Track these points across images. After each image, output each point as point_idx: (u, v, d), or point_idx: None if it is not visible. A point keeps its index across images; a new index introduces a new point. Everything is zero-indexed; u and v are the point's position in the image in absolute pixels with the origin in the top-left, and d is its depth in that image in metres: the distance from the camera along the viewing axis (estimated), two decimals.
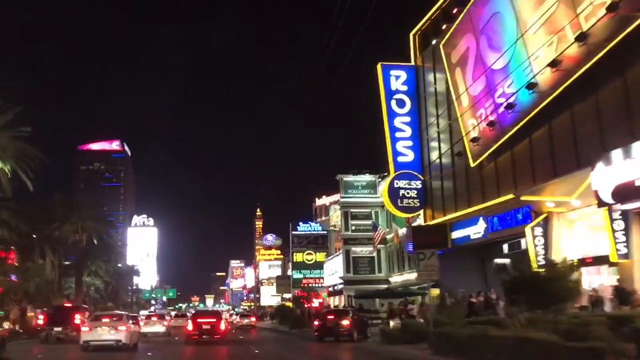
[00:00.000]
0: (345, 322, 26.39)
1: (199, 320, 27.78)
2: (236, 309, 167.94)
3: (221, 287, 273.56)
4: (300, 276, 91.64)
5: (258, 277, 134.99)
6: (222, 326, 27.79)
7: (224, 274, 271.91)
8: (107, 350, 22.23)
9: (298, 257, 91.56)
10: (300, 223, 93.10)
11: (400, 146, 40.48)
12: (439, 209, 38.46)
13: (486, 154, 32.12)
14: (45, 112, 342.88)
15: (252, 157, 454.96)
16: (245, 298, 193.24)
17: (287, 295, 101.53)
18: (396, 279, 54.24)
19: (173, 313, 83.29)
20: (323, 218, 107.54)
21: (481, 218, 33.36)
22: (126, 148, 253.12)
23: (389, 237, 55.36)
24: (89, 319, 26.79)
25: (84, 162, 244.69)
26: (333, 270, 75.33)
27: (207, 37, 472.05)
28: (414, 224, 42.41)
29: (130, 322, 25.42)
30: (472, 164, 33.65)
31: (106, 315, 26.56)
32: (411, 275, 49.94)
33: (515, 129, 29.22)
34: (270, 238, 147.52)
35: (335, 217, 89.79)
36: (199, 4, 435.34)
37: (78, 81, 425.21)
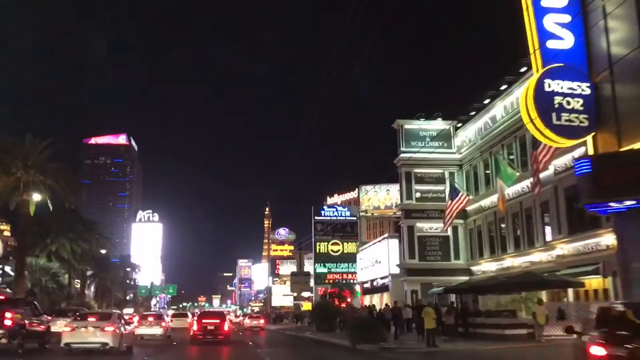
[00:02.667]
0: None
1: (203, 321, 26.41)
2: (244, 309, 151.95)
3: (229, 287, 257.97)
4: (325, 270, 72.85)
5: (270, 274, 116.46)
6: (226, 327, 26.39)
7: (231, 274, 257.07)
8: (95, 355, 18.34)
9: (321, 247, 72.81)
10: (325, 207, 74.36)
11: (549, 22, 21.91)
12: (634, 129, 19.79)
13: None
14: (51, 104, 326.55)
15: (262, 155, 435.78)
16: (253, 298, 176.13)
17: (306, 294, 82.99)
18: (485, 267, 35.41)
19: (170, 312, 64.94)
20: None
21: None
22: (133, 143, 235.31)
23: (470, 208, 36.60)
24: (73, 318, 21.08)
25: (89, 156, 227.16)
26: (371, 261, 56.55)
27: (216, 34, 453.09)
28: (576, 155, 23.57)
29: (122, 322, 20.66)
30: None
31: (92, 314, 22.37)
32: (519, 260, 31.31)
33: None
34: (282, 232, 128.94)
35: (367, 199, 71.04)
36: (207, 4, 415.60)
37: (85, 74, 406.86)
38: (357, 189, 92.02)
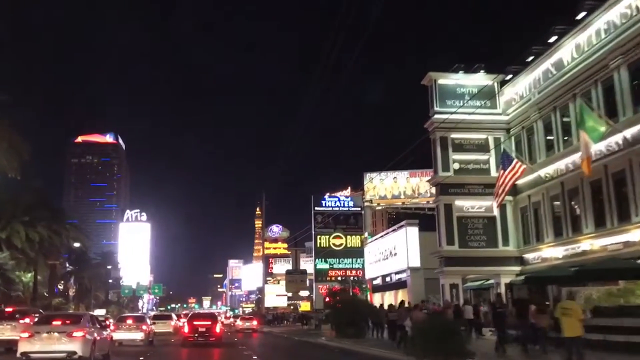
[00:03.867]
0: None
1: (195, 322, 25.04)
2: (235, 311, 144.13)
3: (219, 289, 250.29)
4: (326, 266, 64.18)
5: (263, 273, 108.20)
6: (218, 329, 24.93)
7: (221, 275, 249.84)
8: None
9: (322, 241, 64.27)
10: (326, 197, 65.78)
11: None
12: None
13: None
14: (38, 103, 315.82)
15: (254, 154, 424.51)
16: (244, 299, 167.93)
17: (304, 293, 74.60)
18: (548, 253, 27.23)
19: (153, 314, 56.40)
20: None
21: None
22: (120, 141, 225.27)
23: (522, 181, 28.52)
24: (34, 322, 17.55)
25: (75, 155, 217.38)
26: (383, 255, 48.61)
27: (204, 28, 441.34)
28: None
29: (97, 325, 17.02)
30: None
31: (57, 316, 18.35)
32: (603, 242, 23.40)
33: None
34: (276, 229, 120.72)
35: (372, 187, 62.85)
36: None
37: (73, 73, 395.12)
38: (349, 188, 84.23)
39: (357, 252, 62.59)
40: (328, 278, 64.29)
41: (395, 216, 66.40)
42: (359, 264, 62.10)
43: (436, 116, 30.29)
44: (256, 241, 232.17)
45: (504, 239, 29.94)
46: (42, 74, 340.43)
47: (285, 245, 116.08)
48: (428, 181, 30.49)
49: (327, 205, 65.38)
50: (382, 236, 49.89)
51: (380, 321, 23.97)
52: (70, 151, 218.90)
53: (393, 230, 46.33)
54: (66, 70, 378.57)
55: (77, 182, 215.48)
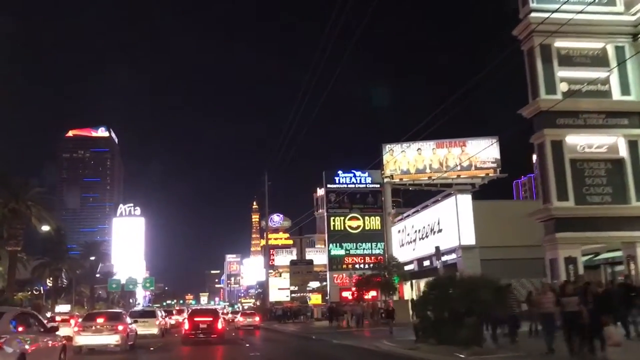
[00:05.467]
0: None
1: (195, 319, 23.67)
2: (234, 306, 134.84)
3: (216, 285, 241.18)
4: (341, 252, 54.46)
5: (265, 266, 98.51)
6: (220, 325, 23.48)
7: (218, 271, 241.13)
8: None
9: (337, 223, 54.48)
10: (340, 172, 55.84)
11: None
12: None
13: None
14: (29, 97, 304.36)
15: (250, 146, 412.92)
16: (243, 294, 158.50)
17: (314, 285, 64.90)
18: None
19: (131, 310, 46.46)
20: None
21: None
22: (113, 135, 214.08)
23: None
24: None
25: (67, 149, 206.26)
26: (421, 233, 38.79)
27: (201, 18, 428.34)
28: None
29: (35, 328, 11.69)
30: None
31: None
32: None
33: None
34: (276, 219, 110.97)
35: (393, 161, 52.49)
36: None
37: (65, 66, 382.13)
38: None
39: (377, 235, 52.96)
40: (344, 266, 54.58)
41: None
42: (379, 248, 52.46)
43: (533, 14, 20.29)
44: (254, 235, 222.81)
45: (638, 191, 20.07)
46: (28, 70, 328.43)
47: (287, 235, 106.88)
48: (520, 111, 20.62)
49: (340, 182, 55.60)
50: (417, 211, 39.95)
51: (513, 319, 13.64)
52: (62, 146, 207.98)
53: (435, 202, 36.44)
54: (54, 65, 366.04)
55: (69, 177, 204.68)
